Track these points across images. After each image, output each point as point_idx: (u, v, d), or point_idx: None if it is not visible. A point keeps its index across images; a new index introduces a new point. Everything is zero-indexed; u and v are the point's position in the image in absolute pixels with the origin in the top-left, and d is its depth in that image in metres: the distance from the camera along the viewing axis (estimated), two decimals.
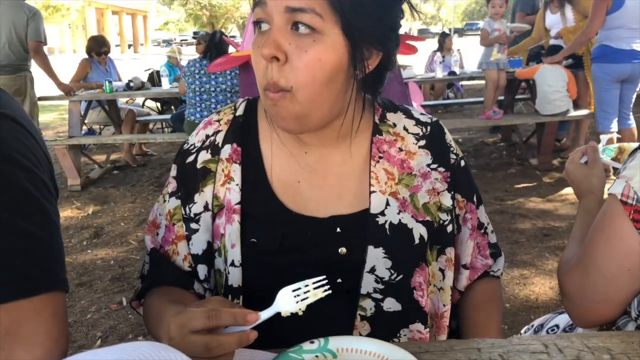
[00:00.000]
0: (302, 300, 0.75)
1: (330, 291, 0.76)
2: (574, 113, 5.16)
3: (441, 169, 1.01)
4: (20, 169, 0.81)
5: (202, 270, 0.98)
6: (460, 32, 45.57)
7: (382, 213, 0.94)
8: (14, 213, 0.78)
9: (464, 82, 9.46)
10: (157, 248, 1.02)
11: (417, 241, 0.95)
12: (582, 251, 0.98)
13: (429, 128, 1.03)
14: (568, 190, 4.64)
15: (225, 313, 0.68)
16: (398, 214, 0.95)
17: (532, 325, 1.35)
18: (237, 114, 1.03)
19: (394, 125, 1.02)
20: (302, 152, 0.98)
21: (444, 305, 0.99)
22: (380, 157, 0.98)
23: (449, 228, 0.99)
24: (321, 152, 0.98)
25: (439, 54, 6.90)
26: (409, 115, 1.05)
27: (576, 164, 1.24)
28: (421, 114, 1.06)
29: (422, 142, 1.01)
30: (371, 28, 0.84)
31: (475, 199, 1.05)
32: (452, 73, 6.11)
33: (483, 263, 1.07)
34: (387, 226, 0.94)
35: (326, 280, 0.76)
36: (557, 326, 1.22)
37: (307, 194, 0.96)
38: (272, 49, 0.81)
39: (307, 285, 0.76)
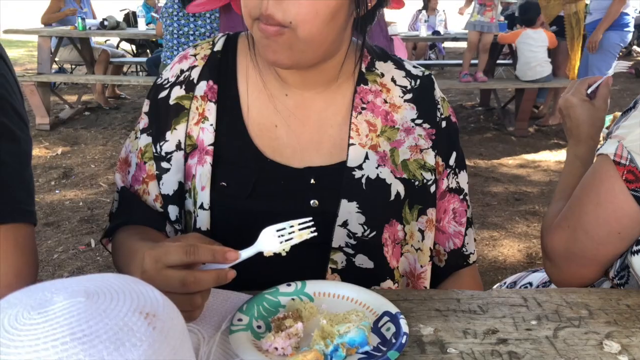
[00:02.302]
0: (286, 240, 0.72)
1: (316, 233, 0.73)
2: (554, 81, 5.17)
3: (426, 125, 0.96)
4: None
5: (173, 211, 0.94)
6: None
7: (360, 167, 0.90)
8: None
9: (446, 45, 9.38)
10: (128, 187, 0.98)
11: (392, 197, 0.91)
12: (569, 212, 0.95)
13: (418, 81, 0.98)
14: (542, 157, 4.70)
15: (204, 249, 0.65)
16: (377, 167, 0.91)
17: (505, 283, 1.35)
18: (216, 49, 0.97)
19: (382, 75, 0.97)
20: (283, 94, 0.93)
21: (422, 266, 0.96)
22: (363, 108, 0.93)
23: (432, 188, 0.95)
24: (303, 96, 0.93)
25: (424, 12, 6.79)
26: (399, 66, 0.99)
27: (582, 98, 1.09)
28: (414, 66, 1.01)
29: (409, 96, 0.96)
30: None
31: (454, 162, 0.99)
32: (436, 33, 6.03)
33: (456, 230, 1.00)
34: (363, 180, 0.90)
35: (312, 222, 0.73)
36: (530, 284, 1.23)
37: (283, 139, 0.92)
38: None
39: (292, 226, 0.72)
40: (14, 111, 0.79)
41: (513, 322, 0.74)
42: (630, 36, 5.02)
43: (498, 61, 6.39)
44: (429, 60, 8.99)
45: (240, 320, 0.71)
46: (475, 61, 5.44)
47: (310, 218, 0.74)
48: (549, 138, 5.22)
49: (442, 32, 6.01)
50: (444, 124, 0.98)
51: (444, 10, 7.39)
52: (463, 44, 6.61)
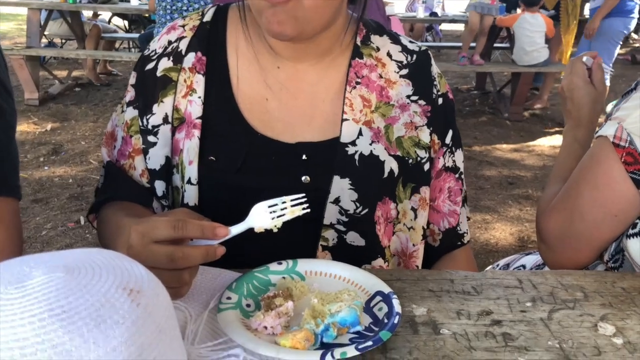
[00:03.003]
0: (278, 217, 0.69)
1: (309, 210, 0.71)
2: (551, 66, 5.14)
3: (422, 102, 0.93)
4: None
5: (159, 186, 0.91)
6: None
7: (353, 143, 0.88)
8: None
9: (444, 27, 9.30)
10: (114, 161, 0.95)
11: (386, 175, 0.89)
12: (565, 195, 0.94)
13: (414, 57, 0.95)
14: (536, 142, 4.70)
15: (192, 224, 0.63)
16: (370, 144, 0.89)
17: (497, 265, 1.34)
18: (205, 20, 0.93)
19: (377, 49, 0.94)
20: (275, 66, 0.90)
21: (414, 245, 0.94)
22: (358, 83, 0.90)
23: (427, 166, 0.93)
24: (295, 68, 0.90)
25: None
26: (395, 40, 0.96)
27: (585, 80, 1.07)
28: (410, 41, 0.98)
29: (405, 72, 0.93)
30: None
31: (450, 141, 0.97)
32: (433, 14, 5.97)
33: (451, 209, 0.98)
34: (356, 157, 0.88)
35: (305, 199, 0.71)
36: (524, 266, 1.22)
37: (274, 113, 0.89)
38: None
39: (284, 202, 0.70)
40: None
41: (507, 303, 0.73)
42: (634, 23, 4.89)
43: (495, 45, 6.34)
44: (425, 42, 8.93)
45: (229, 298, 0.69)
46: (473, 44, 5.39)
47: (304, 194, 0.72)
48: (544, 123, 5.21)
49: (439, 14, 5.95)
50: (440, 100, 0.95)
51: None
52: (460, 27, 6.55)
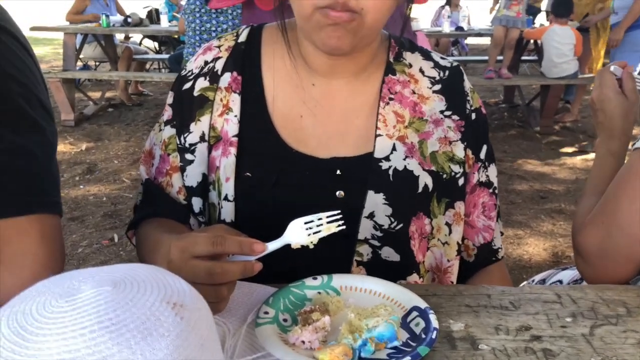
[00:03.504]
0: (314, 233, 0.70)
1: (344, 227, 0.72)
2: (580, 78, 5.06)
3: (455, 117, 0.94)
4: (15, 83, 0.75)
5: (196, 203, 0.93)
6: None
7: (387, 158, 0.89)
8: (6, 127, 0.73)
9: (469, 41, 9.26)
10: (152, 179, 0.97)
11: (420, 190, 0.89)
12: (603, 208, 0.92)
13: (447, 72, 0.96)
14: (567, 155, 4.61)
15: (231, 240, 0.64)
16: (404, 159, 0.89)
17: (533, 280, 1.32)
18: (239, 40, 0.96)
19: (410, 65, 0.95)
20: (310, 83, 0.91)
21: (449, 261, 0.94)
22: (391, 99, 0.91)
23: (461, 181, 0.93)
24: (330, 84, 0.91)
25: (447, 8, 6.71)
26: (427, 57, 0.97)
27: (617, 91, 1.04)
28: (441, 57, 0.99)
29: (437, 87, 0.94)
30: None
31: (484, 156, 0.97)
32: (459, 28, 5.96)
33: (485, 224, 0.98)
34: (390, 172, 0.88)
35: (340, 215, 0.72)
36: (560, 282, 1.19)
37: (309, 130, 0.90)
38: None
39: (320, 219, 0.71)
40: (40, 104, 0.79)
41: (547, 318, 0.72)
42: None
43: (522, 57, 6.28)
44: (451, 56, 8.90)
45: (266, 313, 0.70)
46: (500, 57, 5.35)
47: (339, 211, 0.73)
48: (575, 135, 5.11)
49: (465, 28, 5.93)
50: (473, 115, 0.96)
51: (467, 6, 7.29)
52: (486, 40, 6.52)
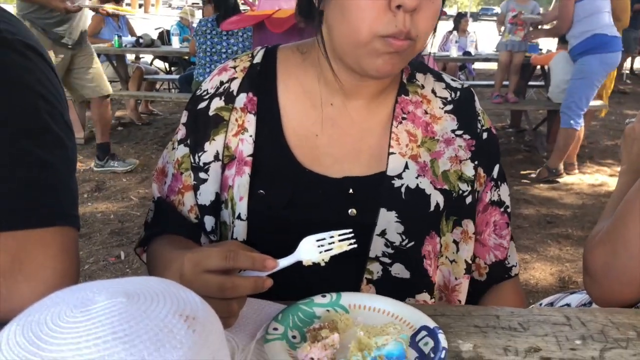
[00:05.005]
0: (325, 251, 0.71)
1: (355, 245, 0.72)
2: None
3: (466, 137, 0.95)
4: (42, 100, 0.78)
5: (209, 221, 0.94)
6: (475, 16, 44.79)
7: (400, 176, 0.90)
8: (35, 142, 0.75)
9: (476, 66, 9.32)
10: (164, 197, 0.98)
11: (432, 208, 0.90)
12: (611, 227, 0.92)
13: (458, 93, 0.98)
14: (574, 180, 4.60)
15: (243, 255, 0.65)
16: (416, 178, 0.90)
17: (541, 304, 1.31)
18: (255, 61, 0.97)
19: (422, 86, 0.97)
20: (328, 103, 0.93)
21: (456, 279, 0.94)
22: (404, 118, 0.93)
23: (469, 199, 0.94)
24: (347, 105, 0.93)
25: (455, 33, 6.78)
26: (439, 78, 1.00)
27: None
28: (452, 79, 1.01)
29: (449, 107, 0.96)
30: None
31: (496, 175, 0.99)
32: (467, 53, 6.01)
33: (496, 242, 0.99)
34: (402, 190, 0.89)
35: (352, 234, 0.73)
36: (569, 305, 1.19)
37: (324, 149, 0.92)
38: None
39: (332, 237, 0.72)
40: (62, 119, 0.82)
41: (556, 340, 0.72)
42: None
43: (530, 82, 6.32)
44: None
45: (275, 329, 0.70)
46: (507, 82, 5.39)
47: (351, 230, 0.73)
48: (581, 161, 5.11)
49: (473, 53, 5.99)
50: (485, 135, 0.97)
51: (474, 32, 7.36)
52: (493, 65, 6.56)
